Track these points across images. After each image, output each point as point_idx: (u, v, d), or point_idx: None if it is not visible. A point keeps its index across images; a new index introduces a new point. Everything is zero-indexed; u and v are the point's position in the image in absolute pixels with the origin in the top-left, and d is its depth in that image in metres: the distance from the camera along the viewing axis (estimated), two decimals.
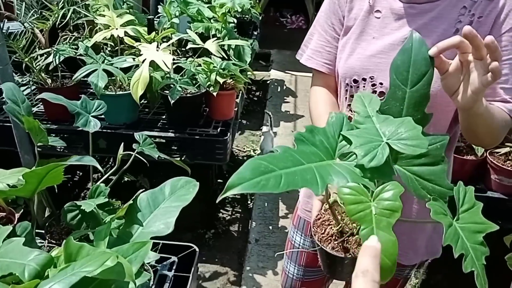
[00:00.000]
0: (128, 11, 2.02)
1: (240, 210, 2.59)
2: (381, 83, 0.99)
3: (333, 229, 0.76)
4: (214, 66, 1.77)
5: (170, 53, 1.78)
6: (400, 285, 1.24)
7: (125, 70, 1.68)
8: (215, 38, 1.84)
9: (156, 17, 2.22)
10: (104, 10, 1.85)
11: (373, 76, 0.99)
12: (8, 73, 1.58)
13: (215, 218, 2.45)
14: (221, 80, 1.73)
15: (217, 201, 0.51)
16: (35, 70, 1.72)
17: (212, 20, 2.21)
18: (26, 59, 1.67)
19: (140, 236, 0.70)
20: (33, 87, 1.84)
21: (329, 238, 0.76)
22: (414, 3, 0.96)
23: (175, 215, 0.70)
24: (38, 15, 1.76)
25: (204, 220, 2.38)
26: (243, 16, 3.07)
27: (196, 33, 1.99)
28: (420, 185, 0.64)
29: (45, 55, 1.71)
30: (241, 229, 2.45)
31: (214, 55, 1.78)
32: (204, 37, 2.07)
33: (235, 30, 2.67)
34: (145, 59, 1.55)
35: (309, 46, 1.15)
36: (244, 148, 3.30)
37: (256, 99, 4.18)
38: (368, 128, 0.62)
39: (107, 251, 0.58)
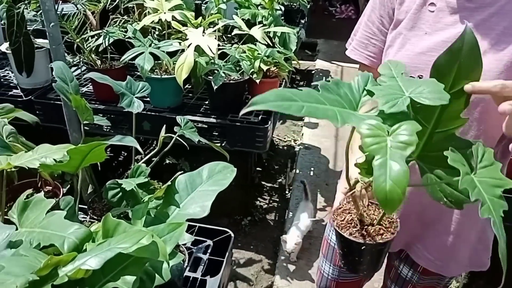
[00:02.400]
0: None
1: (277, 200, 2.59)
2: None
3: (352, 216, 0.75)
4: (258, 53, 1.76)
5: (215, 38, 1.79)
6: None
7: (171, 54, 1.70)
8: (261, 25, 1.83)
9: (204, 2, 2.23)
10: None
11: (421, 76, 0.91)
12: (61, 53, 1.63)
13: (252, 206, 2.45)
14: (264, 68, 1.72)
15: (240, 114, 0.53)
16: (85, 51, 1.77)
17: (259, 7, 2.19)
18: (78, 40, 1.73)
19: (176, 217, 0.71)
20: (83, 68, 1.90)
21: (348, 224, 0.76)
22: None
23: (212, 199, 0.70)
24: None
25: (241, 207, 2.39)
26: (291, 3, 3.03)
27: (242, 19, 1.98)
28: (438, 186, 0.62)
29: (96, 37, 1.76)
30: (277, 219, 2.45)
31: (259, 42, 1.77)
32: (250, 24, 2.06)
33: (282, 17, 2.64)
34: (191, 43, 1.56)
35: (355, 37, 1.09)
36: (284, 138, 3.28)
37: (300, 89, 4.13)
38: (392, 86, 0.62)
39: (143, 229, 0.59)
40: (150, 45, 1.57)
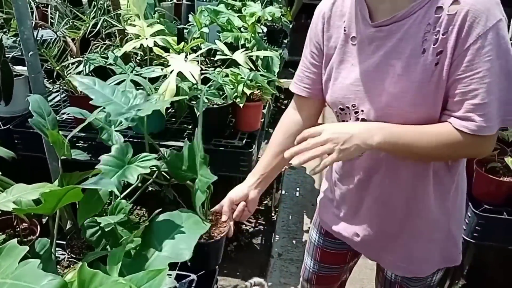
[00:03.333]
0: (158, 20, 2.03)
1: (263, 222, 2.56)
2: (362, 110, 0.97)
3: None
4: (241, 77, 1.75)
5: (198, 63, 1.78)
6: None
7: (154, 80, 1.69)
8: (244, 49, 1.83)
9: (186, 25, 2.23)
10: (135, 20, 1.87)
11: (354, 104, 0.98)
12: (39, 81, 1.60)
13: (238, 230, 2.42)
14: (248, 92, 1.71)
15: None
16: (66, 78, 1.75)
17: (242, 29, 2.20)
18: (58, 68, 1.70)
19: (156, 261, 0.69)
20: (63, 95, 1.87)
21: None
22: (381, 26, 0.92)
23: (194, 241, 0.68)
24: (70, 24, 1.79)
25: None
26: (274, 24, 3.05)
27: (225, 43, 1.99)
28: None
29: (76, 64, 1.74)
30: (264, 242, 2.41)
31: (242, 66, 1.77)
32: (233, 47, 2.07)
33: (265, 38, 2.66)
34: (173, 70, 1.55)
35: (296, 73, 1.17)
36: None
37: (284, 107, 4.14)
38: None
39: (121, 280, 0.56)
40: (131, 72, 1.56)
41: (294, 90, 1.16)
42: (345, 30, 0.99)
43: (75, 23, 1.71)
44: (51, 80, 1.99)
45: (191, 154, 0.96)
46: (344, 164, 1.10)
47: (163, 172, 1.04)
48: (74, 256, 0.96)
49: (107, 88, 0.94)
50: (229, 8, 2.68)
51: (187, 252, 0.67)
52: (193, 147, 0.96)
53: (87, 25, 1.65)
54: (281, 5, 3.18)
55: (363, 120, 0.97)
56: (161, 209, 0.82)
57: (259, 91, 1.82)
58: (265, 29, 2.57)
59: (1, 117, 1.86)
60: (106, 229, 0.80)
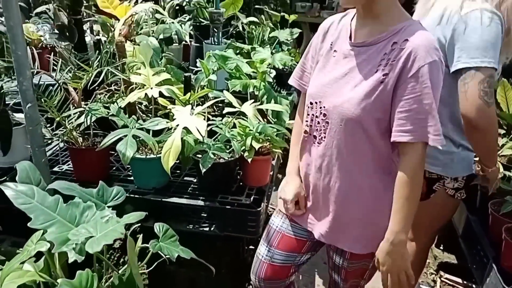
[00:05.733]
0: (164, 68, 1.97)
1: None
2: (324, 106, 1.23)
3: None
4: (250, 130, 1.67)
5: (205, 115, 1.70)
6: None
7: (158, 131, 1.61)
8: (252, 100, 1.74)
9: (194, 72, 2.17)
10: (140, 68, 1.80)
11: (320, 101, 1.24)
12: (38, 134, 1.53)
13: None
14: (256, 146, 1.62)
15: None
16: (66, 128, 1.67)
17: (251, 74, 2.13)
18: (58, 118, 1.63)
19: None
20: (62, 144, 1.78)
21: None
22: (355, 46, 1.19)
23: None
24: (73, 72, 1.73)
25: None
26: (284, 68, 2.99)
27: (233, 91, 1.91)
28: None
29: (78, 114, 1.66)
30: None
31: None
32: (242, 94, 1.99)
33: (274, 81, 2.59)
34: (178, 125, 1.46)
35: (295, 70, 1.44)
36: (272, 202, 3.15)
37: None
38: None
39: None
40: (134, 126, 1.48)
41: (290, 82, 1.44)
42: (331, 44, 1.27)
43: (77, 73, 1.64)
44: (52, 127, 1.91)
45: None
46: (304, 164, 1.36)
47: None
48: None
49: (49, 200, 0.82)
50: (237, 52, 2.63)
51: None
52: None
53: (90, 74, 1.58)
54: (289, 47, 3.13)
55: (324, 114, 1.23)
56: None
57: (268, 143, 1.73)
58: (274, 72, 2.50)
59: None
60: None
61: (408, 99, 1.09)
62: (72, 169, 1.75)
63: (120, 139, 1.40)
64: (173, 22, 2.25)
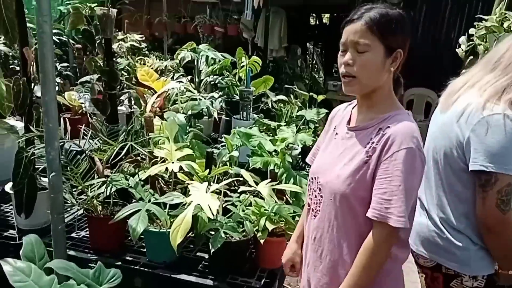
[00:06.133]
0: (189, 143, 2.03)
1: None
2: (319, 182, 1.35)
3: None
4: (265, 210, 1.66)
5: (221, 193, 1.72)
6: None
7: (175, 205, 1.63)
8: (269, 180, 1.75)
9: (221, 145, 2.23)
10: (164, 142, 1.87)
11: (318, 176, 1.37)
12: (59, 201, 1.58)
13: None
14: (270, 227, 1.60)
15: None
16: (88, 196, 1.72)
17: (273, 153, 2.16)
18: (80, 187, 1.68)
19: None
20: (81, 211, 1.83)
21: None
22: (350, 130, 1.33)
23: None
24: (101, 143, 1.82)
25: None
26: (311, 145, 3.02)
27: (253, 168, 1.94)
28: None
29: (100, 183, 1.72)
30: None
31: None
32: (261, 172, 2.02)
33: (300, 157, 2.60)
34: (192, 201, 1.48)
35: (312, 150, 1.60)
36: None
37: None
38: None
39: None
40: (149, 200, 1.50)
41: (307, 160, 1.59)
42: (335, 128, 1.42)
43: (103, 145, 1.72)
44: (75, 193, 1.98)
45: None
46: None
47: None
48: None
49: (44, 280, 0.83)
50: (264, 128, 2.70)
51: None
52: None
53: (114, 148, 1.66)
54: (317, 125, 3.18)
55: (319, 189, 1.34)
56: None
57: (283, 224, 1.71)
58: (299, 149, 2.52)
59: (20, 229, 1.83)
60: None
61: (380, 179, 1.19)
62: (88, 236, 1.78)
63: (135, 212, 1.42)
64: (201, 99, 2.35)
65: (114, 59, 3.64)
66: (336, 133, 1.39)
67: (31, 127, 1.72)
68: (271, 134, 2.70)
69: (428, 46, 6.48)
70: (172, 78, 3.16)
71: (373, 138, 1.23)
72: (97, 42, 1.93)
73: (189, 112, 2.27)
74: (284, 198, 1.97)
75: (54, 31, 3.83)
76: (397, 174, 1.16)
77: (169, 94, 2.56)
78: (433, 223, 1.55)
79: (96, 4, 2.00)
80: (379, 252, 1.20)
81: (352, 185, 1.23)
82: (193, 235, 1.84)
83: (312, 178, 1.40)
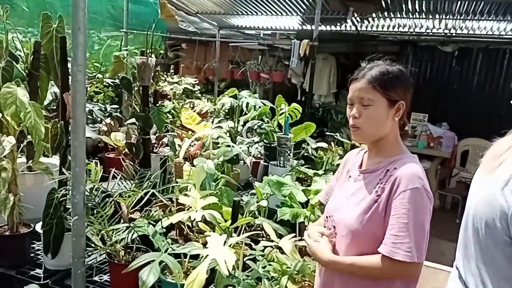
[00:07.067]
0: (218, 190, 2.01)
1: None
2: (333, 220, 1.44)
3: None
4: (287, 267, 1.57)
5: (242, 245, 1.66)
6: None
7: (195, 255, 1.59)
8: (292, 235, 1.67)
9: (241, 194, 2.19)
10: (190, 190, 1.86)
11: (332, 215, 1.46)
12: (80, 245, 1.59)
13: None
14: None
15: None
16: (111, 240, 1.72)
17: (305, 204, 2.08)
18: (103, 231, 1.69)
19: None
20: (103, 256, 1.83)
21: None
22: (361, 172, 1.44)
23: None
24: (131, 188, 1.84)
25: None
26: None
27: (281, 219, 1.87)
28: None
29: (124, 228, 1.72)
30: None
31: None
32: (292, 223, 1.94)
33: None
34: (207, 255, 1.43)
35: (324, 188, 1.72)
36: None
37: None
38: None
39: None
40: (166, 250, 1.47)
41: (318, 196, 1.71)
42: (348, 171, 1.52)
43: (129, 190, 1.73)
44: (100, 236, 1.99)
45: None
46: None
47: None
48: None
49: None
50: (299, 176, 2.63)
51: None
52: None
53: (137, 195, 1.66)
54: None
55: (334, 227, 1.43)
56: None
57: (307, 283, 1.61)
58: None
59: (47, 268, 1.85)
60: None
61: (390, 218, 1.28)
62: (108, 281, 1.76)
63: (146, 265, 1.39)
64: (233, 146, 2.34)
65: (160, 102, 3.76)
66: (350, 176, 1.49)
67: (63, 169, 1.77)
68: (308, 182, 2.62)
69: (484, 95, 6.20)
70: (212, 122, 3.20)
71: (382, 179, 1.34)
72: (135, 89, 1.99)
73: (221, 158, 2.26)
74: None
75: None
76: (404, 212, 1.25)
77: (204, 141, 2.59)
78: None
79: (136, 52, 2.08)
80: (374, 271, 1.29)
81: (363, 222, 1.32)
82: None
83: (327, 217, 1.49)
